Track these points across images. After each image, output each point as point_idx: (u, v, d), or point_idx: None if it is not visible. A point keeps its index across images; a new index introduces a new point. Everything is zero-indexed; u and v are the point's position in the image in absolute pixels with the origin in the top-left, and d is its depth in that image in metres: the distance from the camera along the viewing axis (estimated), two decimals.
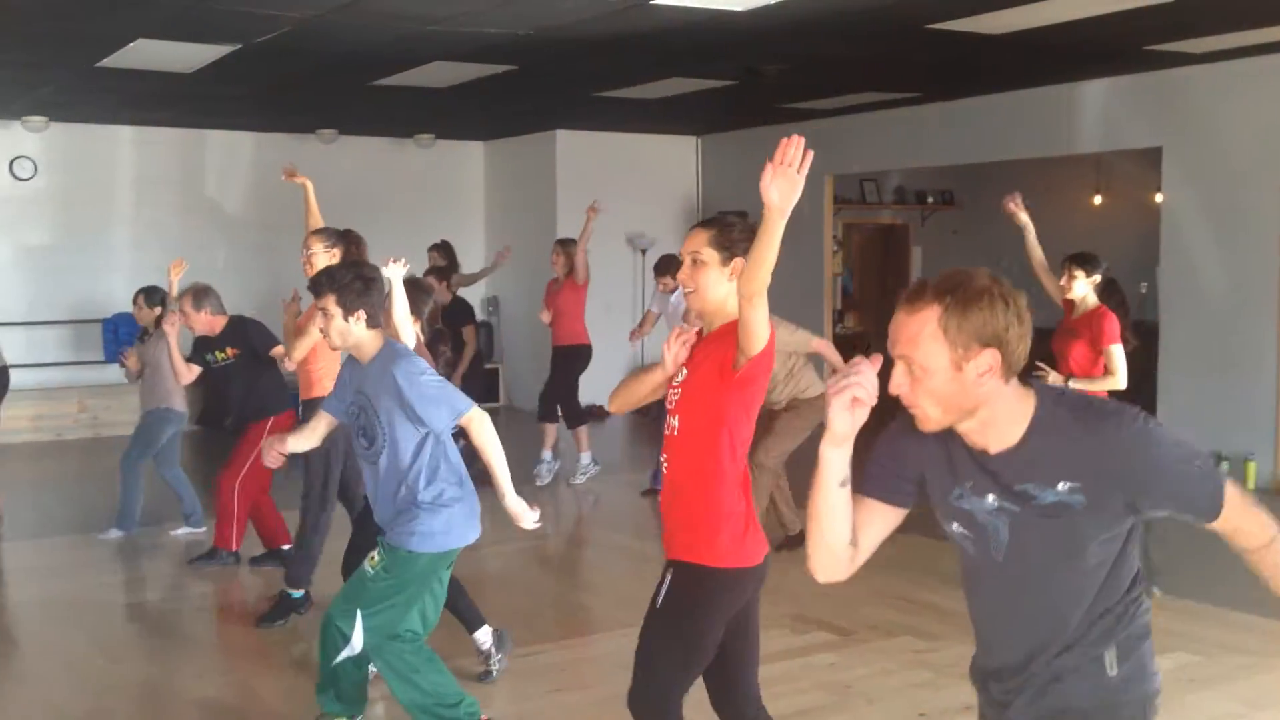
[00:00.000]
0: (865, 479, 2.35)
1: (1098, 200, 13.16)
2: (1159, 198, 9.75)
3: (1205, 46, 8.35)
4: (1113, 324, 5.99)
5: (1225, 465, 8.99)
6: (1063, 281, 6.20)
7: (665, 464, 3.35)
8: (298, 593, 5.89)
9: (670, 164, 13.71)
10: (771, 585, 3.78)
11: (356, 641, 4.17)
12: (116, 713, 4.89)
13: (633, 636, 3.40)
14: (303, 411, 5.96)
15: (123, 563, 7.27)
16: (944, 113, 11.06)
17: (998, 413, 2.15)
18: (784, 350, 6.37)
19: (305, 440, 4.52)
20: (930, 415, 2.16)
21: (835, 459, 2.17)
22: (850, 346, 13.31)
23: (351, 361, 4.29)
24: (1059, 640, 2.24)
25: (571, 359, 9.22)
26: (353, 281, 4.15)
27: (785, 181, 2.79)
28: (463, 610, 5.02)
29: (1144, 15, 7.13)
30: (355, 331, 4.14)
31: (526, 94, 10.25)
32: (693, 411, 3.23)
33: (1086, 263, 6.15)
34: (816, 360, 6.83)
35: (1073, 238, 13.30)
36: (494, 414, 5.27)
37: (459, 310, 9.63)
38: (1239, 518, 2.16)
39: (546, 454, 9.15)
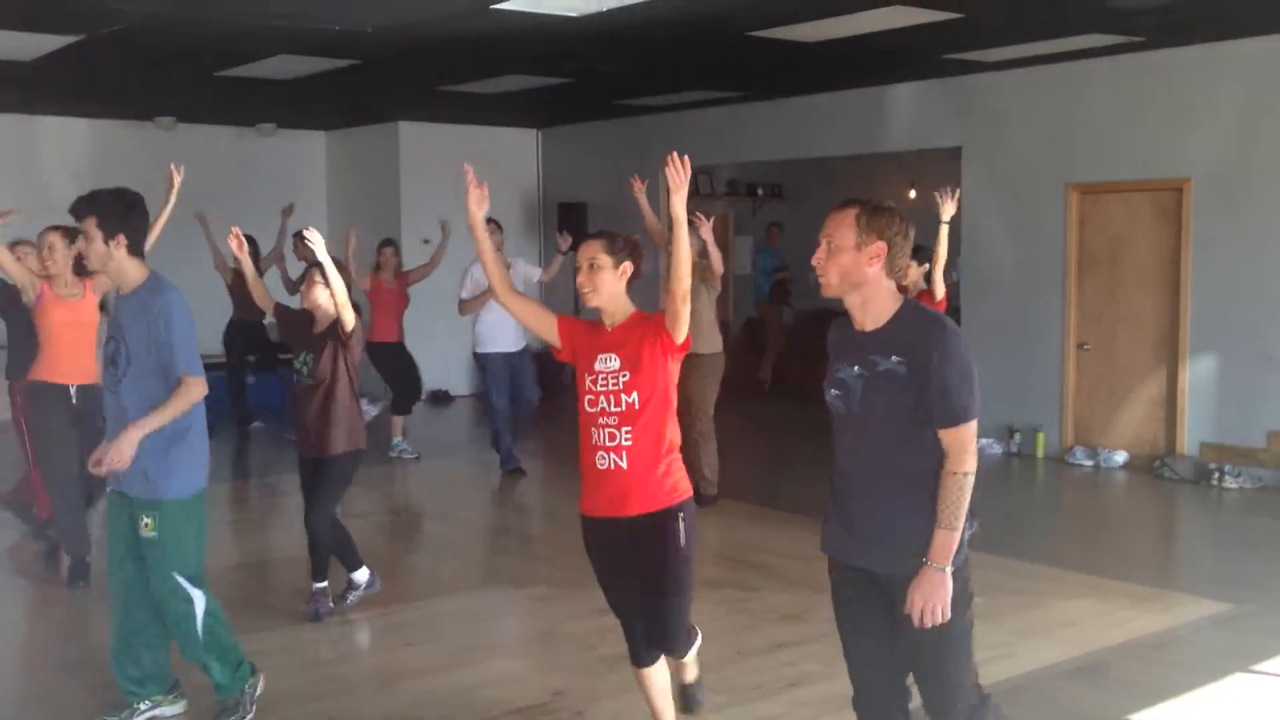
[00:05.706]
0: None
1: (912, 195, 14.08)
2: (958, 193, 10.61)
3: (996, 56, 9.20)
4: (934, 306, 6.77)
5: (1018, 436, 9.94)
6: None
7: (626, 436, 3.77)
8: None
9: (512, 156, 14.11)
10: None
11: (196, 598, 4.18)
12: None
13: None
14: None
15: None
16: (767, 111, 11.77)
17: (874, 295, 3.08)
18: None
19: None
20: (831, 282, 3.10)
21: None
22: None
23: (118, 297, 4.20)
24: (893, 489, 3.06)
25: (396, 355, 10.12)
26: (114, 204, 4.06)
27: (683, 195, 3.72)
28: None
29: (939, 28, 7.88)
30: (116, 257, 4.06)
31: (369, 87, 10.55)
32: (649, 386, 3.79)
33: (918, 253, 6.91)
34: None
35: None
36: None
37: None
38: (957, 443, 3.05)
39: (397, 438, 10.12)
